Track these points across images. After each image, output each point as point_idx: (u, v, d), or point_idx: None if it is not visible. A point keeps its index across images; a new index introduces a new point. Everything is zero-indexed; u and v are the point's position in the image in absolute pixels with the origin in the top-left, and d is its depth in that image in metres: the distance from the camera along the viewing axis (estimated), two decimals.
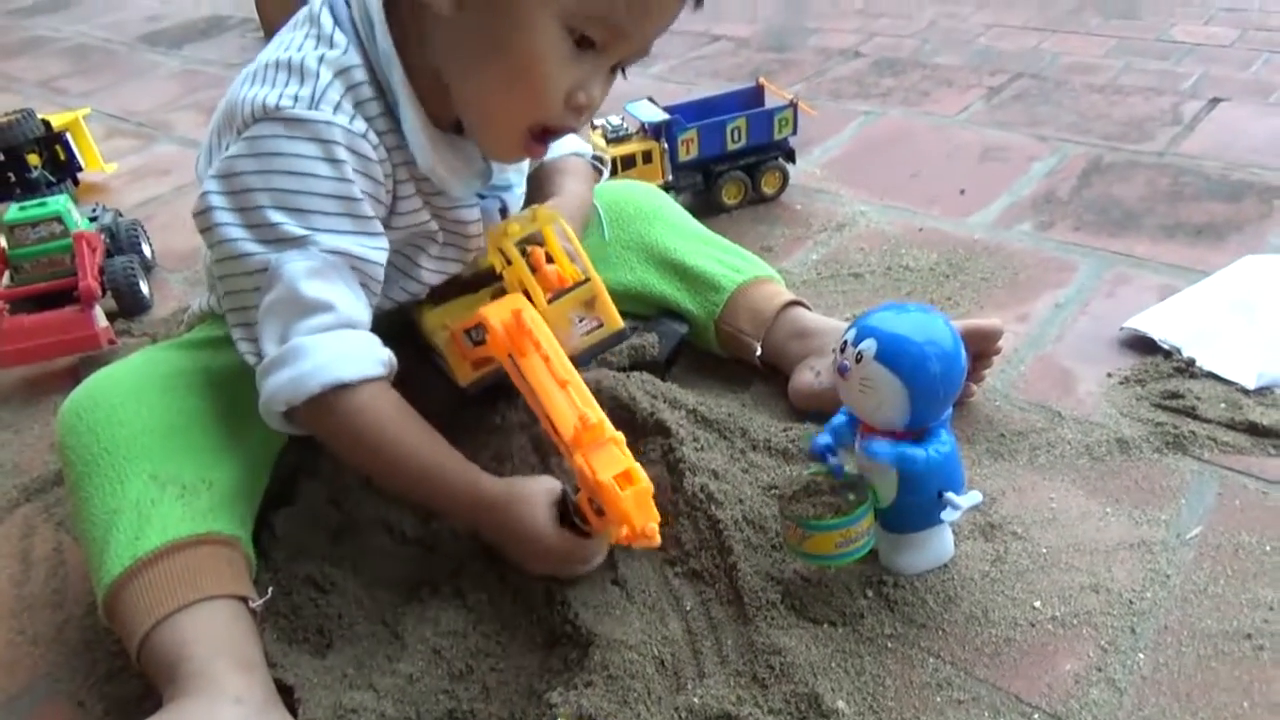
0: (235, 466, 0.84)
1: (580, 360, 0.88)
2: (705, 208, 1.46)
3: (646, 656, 0.76)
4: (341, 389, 0.77)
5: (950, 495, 0.77)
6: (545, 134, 0.81)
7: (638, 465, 0.74)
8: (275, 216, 0.77)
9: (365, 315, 0.81)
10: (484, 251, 0.93)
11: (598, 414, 0.75)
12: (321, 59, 0.79)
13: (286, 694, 0.75)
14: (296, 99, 0.77)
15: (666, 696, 0.74)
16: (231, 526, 0.81)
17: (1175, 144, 1.57)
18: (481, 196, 0.93)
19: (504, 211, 0.96)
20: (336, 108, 0.78)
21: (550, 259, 0.89)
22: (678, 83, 2.05)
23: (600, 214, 1.12)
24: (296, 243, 0.77)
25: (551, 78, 0.76)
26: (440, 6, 0.75)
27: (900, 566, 0.82)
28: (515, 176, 0.98)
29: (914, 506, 0.79)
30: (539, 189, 1.08)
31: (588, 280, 0.89)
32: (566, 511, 0.79)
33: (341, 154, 0.77)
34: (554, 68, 0.75)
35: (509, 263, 0.88)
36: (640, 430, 0.95)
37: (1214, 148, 1.55)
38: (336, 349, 0.77)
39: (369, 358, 0.79)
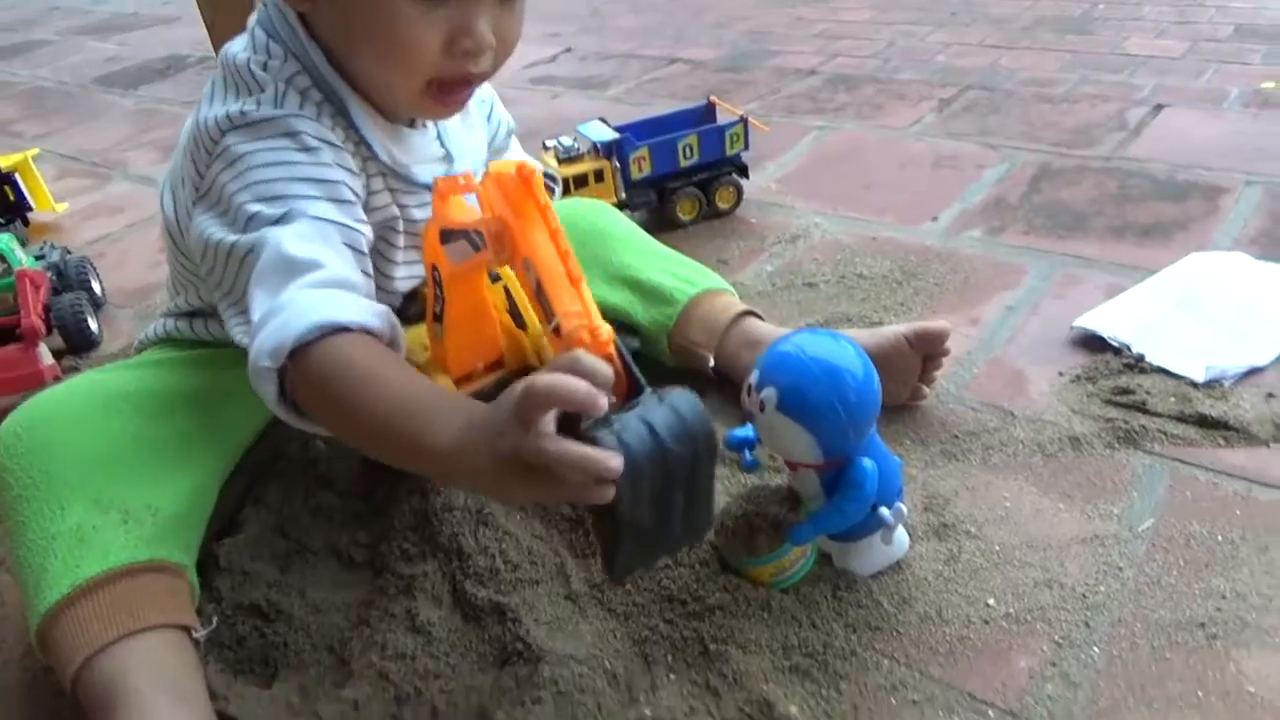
0: (181, 493, 0.82)
1: None
2: (660, 224, 1.46)
3: (597, 670, 0.74)
4: (333, 333, 0.67)
5: (883, 512, 0.77)
6: (446, 86, 0.81)
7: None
8: (255, 207, 0.75)
9: (360, 281, 0.75)
10: None
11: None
12: (266, 67, 0.81)
13: None
14: (259, 103, 0.79)
15: (618, 710, 0.72)
16: (176, 554, 0.79)
17: (1122, 148, 1.59)
18: None
19: None
20: (300, 107, 0.80)
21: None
22: (633, 104, 2.06)
23: None
24: (280, 220, 0.75)
25: (414, 35, 0.76)
26: (298, 5, 0.79)
27: (853, 569, 0.81)
28: (476, 156, 0.97)
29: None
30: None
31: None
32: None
33: (313, 143, 0.78)
34: (412, 25, 0.75)
35: (495, 278, 0.87)
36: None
37: (1160, 151, 1.57)
38: (329, 300, 0.70)
39: (365, 307, 0.72)
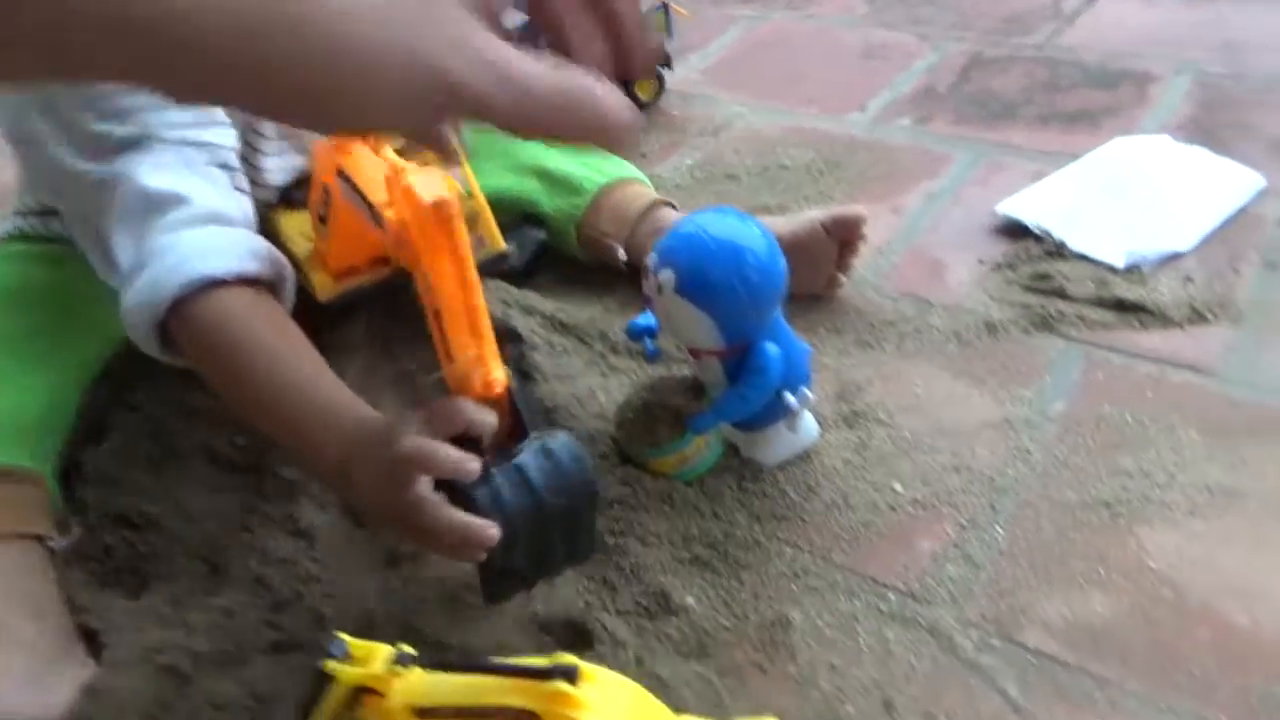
0: (35, 394, 0.76)
1: None
2: None
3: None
4: (208, 287, 0.66)
5: (787, 396, 0.74)
6: None
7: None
8: (102, 127, 0.69)
9: (232, 207, 0.72)
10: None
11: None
12: None
13: (94, 639, 0.69)
14: None
15: (510, 608, 0.69)
16: (25, 459, 0.73)
17: (1055, 37, 1.54)
18: None
19: None
20: None
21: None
22: None
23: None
24: (132, 145, 0.69)
25: None
26: None
27: (759, 459, 0.79)
28: None
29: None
30: None
31: (470, 196, 0.82)
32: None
33: None
34: None
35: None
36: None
37: (1093, 39, 1.52)
38: (200, 244, 0.68)
39: (242, 249, 0.69)
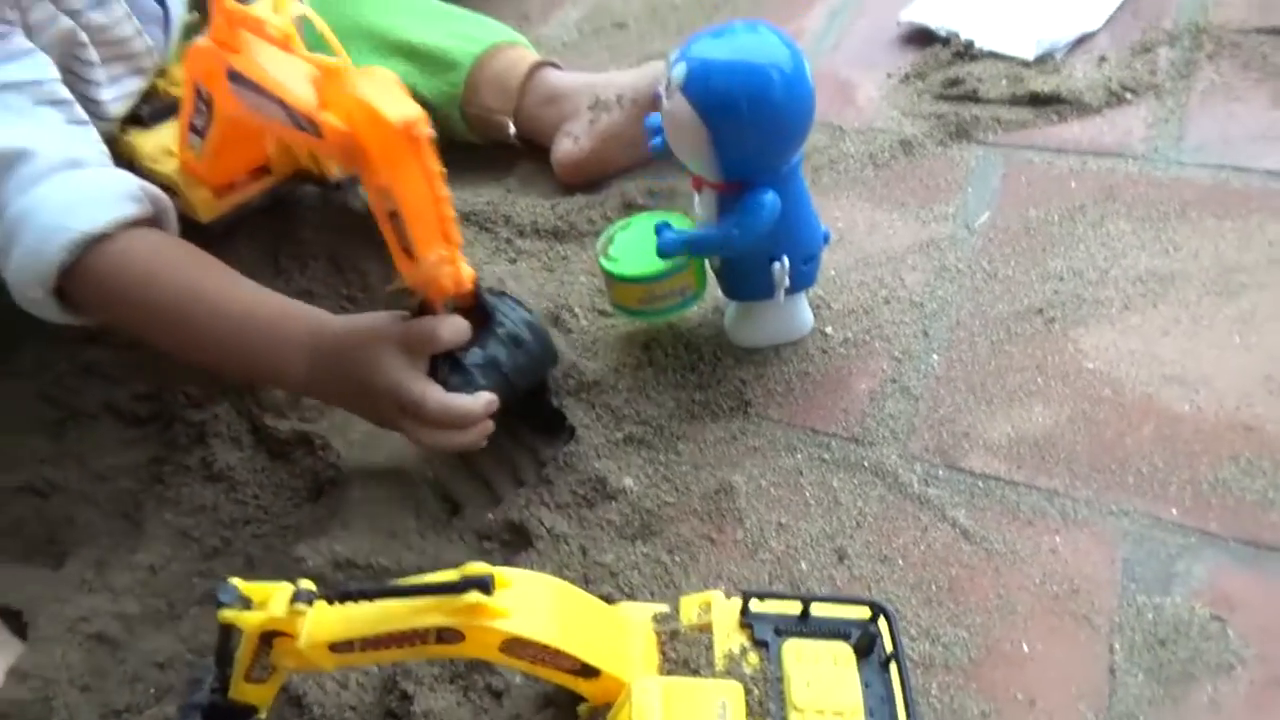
0: None
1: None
2: None
3: (416, 480, 0.68)
4: (92, 244, 0.62)
5: (778, 267, 0.66)
6: None
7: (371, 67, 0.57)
8: None
9: (90, 150, 0.67)
10: (169, 61, 0.81)
11: (343, 59, 0.56)
12: None
13: (17, 619, 0.65)
14: None
15: (442, 519, 0.66)
16: None
17: None
18: None
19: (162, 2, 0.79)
20: None
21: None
22: None
23: None
24: None
25: None
26: None
27: (737, 338, 0.74)
28: None
29: (742, 272, 0.69)
30: None
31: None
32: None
33: None
34: None
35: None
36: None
37: None
38: (61, 198, 0.63)
39: (112, 195, 0.65)
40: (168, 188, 0.76)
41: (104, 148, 0.70)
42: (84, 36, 0.73)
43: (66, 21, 0.71)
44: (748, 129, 0.61)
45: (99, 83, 0.76)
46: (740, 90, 0.60)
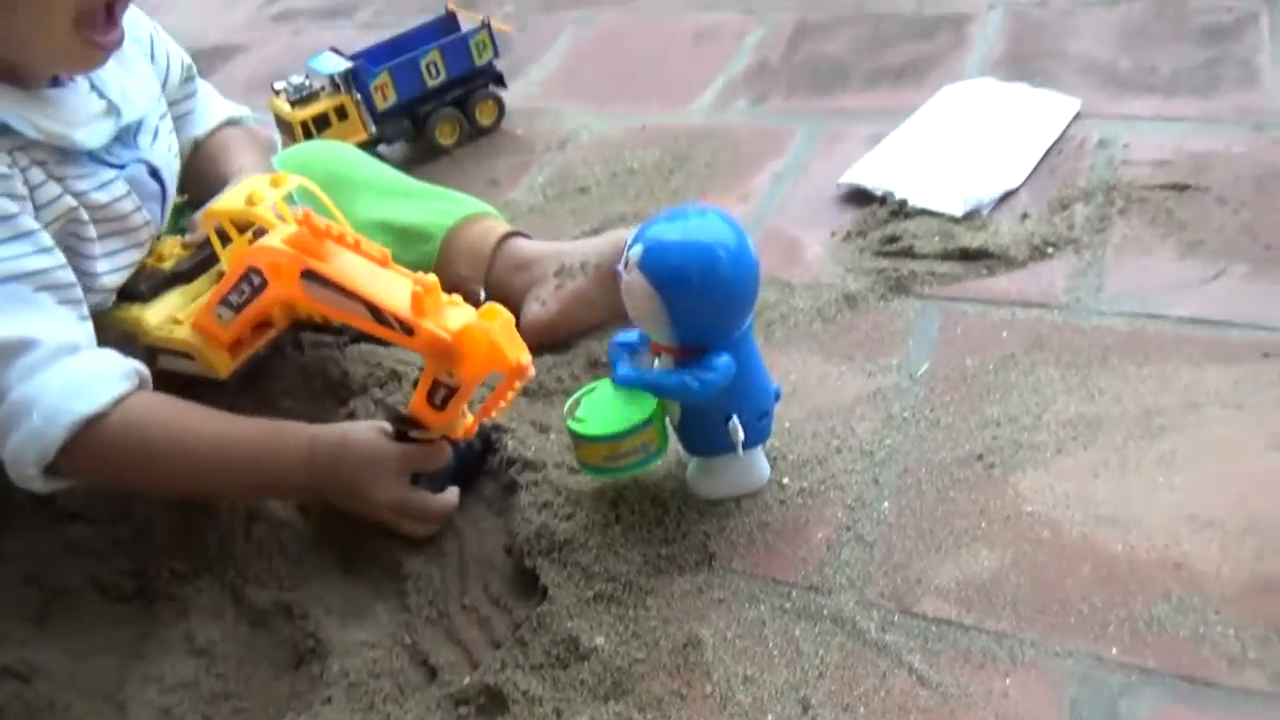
0: None
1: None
2: (422, 154, 1.37)
3: (393, 650, 0.70)
4: (92, 423, 0.69)
5: (734, 424, 0.71)
6: (96, 15, 0.71)
7: (492, 305, 0.72)
8: None
9: (82, 333, 0.73)
10: (160, 238, 0.88)
11: (431, 278, 0.71)
12: None
13: None
14: None
15: (423, 686, 0.68)
16: None
17: None
18: (119, 167, 0.81)
19: (156, 175, 0.86)
20: None
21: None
22: (385, 27, 1.91)
23: None
24: None
25: None
26: None
27: (699, 491, 0.78)
28: (146, 103, 0.85)
29: (700, 430, 0.74)
30: (208, 176, 0.97)
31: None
32: (401, 438, 0.76)
33: None
34: None
35: (227, 242, 0.81)
36: (359, 395, 0.88)
37: None
38: (63, 384, 0.69)
39: (108, 376, 0.71)
40: (183, 352, 0.82)
41: (90, 325, 0.75)
42: (85, 215, 0.79)
43: (70, 200, 0.77)
44: (699, 300, 0.68)
45: (95, 257, 0.81)
46: (691, 266, 0.67)
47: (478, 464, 0.83)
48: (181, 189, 1.02)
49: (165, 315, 0.83)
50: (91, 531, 0.83)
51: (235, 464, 0.75)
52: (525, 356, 0.71)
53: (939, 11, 1.46)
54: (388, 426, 0.77)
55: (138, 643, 0.76)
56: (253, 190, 0.80)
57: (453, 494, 0.79)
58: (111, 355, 0.74)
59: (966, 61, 1.31)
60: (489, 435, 0.84)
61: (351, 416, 0.87)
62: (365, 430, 0.77)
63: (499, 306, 0.72)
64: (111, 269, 0.83)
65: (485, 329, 0.69)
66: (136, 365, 0.74)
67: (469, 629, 0.72)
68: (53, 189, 0.75)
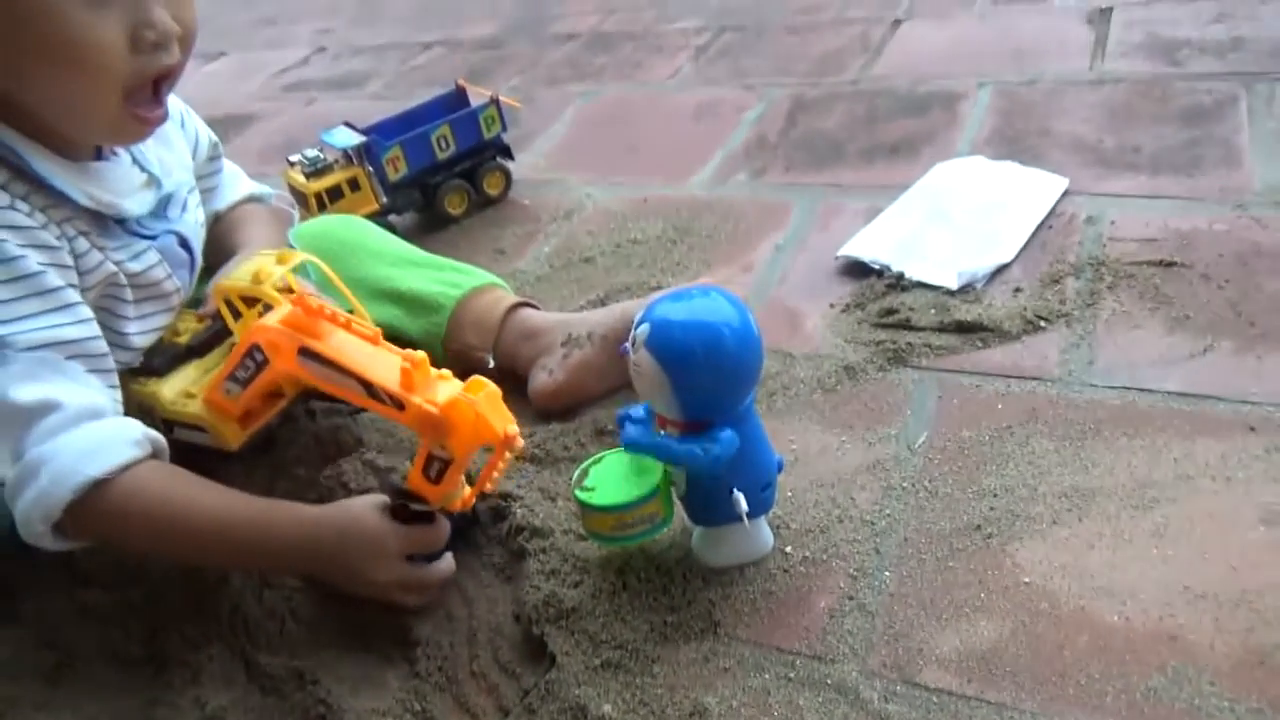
0: None
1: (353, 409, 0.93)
2: (431, 223, 1.41)
3: (404, 717, 0.71)
4: (100, 485, 0.71)
5: (738, 495, 0.73)
6: (144, 92, 0.74)
7: (478, 377, 0.73)
8: None
9: (106, 399, 0.76)
10: (182, 311, 0.90)
11: (420, 354, 0.73)
12: None
13: None
14: None
15: None
16: None
17: (867, 70, 1.64)
18: (150, 238, 0.85)
19: (185, 244, 0.89)
20: None
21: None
22: (395, 99, 1.97)
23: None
24: None
25: (94, 39, 0.69)
26: None
27: (704, 559, 0.79)
28: (182, 175, 0.90)
29: (705, 500, 0.76)
30: (224, 246, 1.00)
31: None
32: (401, 511, 0.77)
33: None
34: (88, 30, 0.69)
35: (238, 315, 0.84)
36: (372, 468, 0.90)
37: (900, 67, 1.63)
38: (78, 447, 0.71)
39: (120, 442, 0.73)
40: (197, 425, 0.84)
41: (118, 394, 0.78)
42: (123, 279, 0.82)
43: (110, 267, 0.80)
44: (704, 377, 0.70)
45: (130, 319, 0.85)
46: (696, 345, 0.69)
47: (469, 531, 0.85)
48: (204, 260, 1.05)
49: (180, 389, 0.86)
50: (105, 596, 0.84)
51: (235, 543, 0.77)
52: (512, 427, 0.72)
53: (930, 89, 1.52)
54: (386, 499, 0.77)
55: (148, 708, 0.76)
56: (259, 267, 0.82)
57: (448, 561, 0.80)
58: (130, 423, 0.76)
59: (958, 139, 1.36)
60: (475, 504, 0.84)
61: (341, 479, 0.88)
62: (366, 511, 0.77)
63: (484, 379, 0.73)
64: (143, 330, 0.86)
65: (471, 401, 0.71)
66: (152, 434, 0.76)
67: (478, 696, 0.73)
68: (96, 257, 0.79)
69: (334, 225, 1.11)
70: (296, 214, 1.08)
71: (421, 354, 0.72)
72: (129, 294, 0.83)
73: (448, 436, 0.71)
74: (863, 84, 1.59)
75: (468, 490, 0.78)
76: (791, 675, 0.70)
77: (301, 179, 1.32)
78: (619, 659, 0.73)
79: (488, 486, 0.77)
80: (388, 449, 0.92)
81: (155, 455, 0.76)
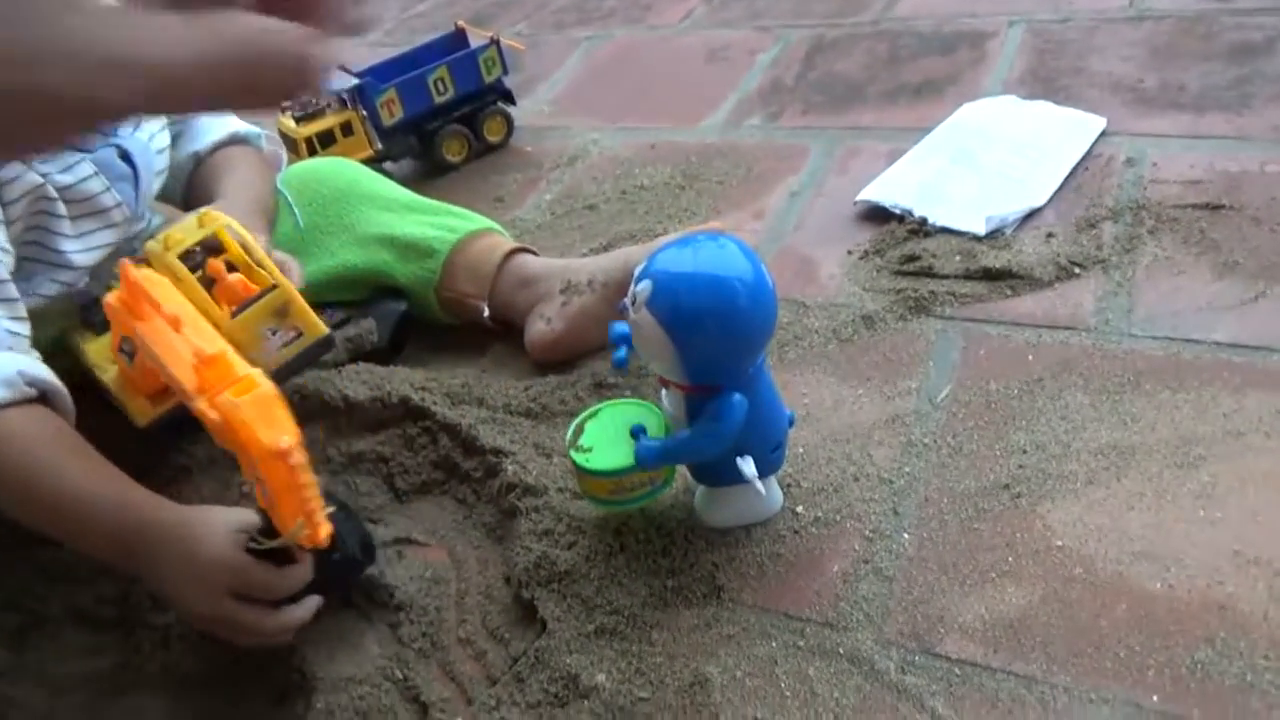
0: None
1: (283, 376, 0.76)
2: (429, 170, 1.35)
3: (383, 686, 0.66)
4: None
5: (742, 461, 0.66)
6: None
7: (250, 374, 0.58)
8: None
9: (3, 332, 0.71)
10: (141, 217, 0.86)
11: (220, 346, 0.60)
12: None
13: None
14: None
15: None
16: None
17: (889, 10, 1.55)
18: (86, 150, 0.80)
19: (126, 157, 0.83)
20: None
21: (232, 267, 0.77)
22: (395, 46, 1.90)
23: (289, 202, 1.00)
24: None
25: None
26: None
27: (707, 520, 0.74)
28: None
29: (709, 464, 0.70)
30: (205, 188, 0.95)
31: (275, 287, 0.77)
32: (260, 547, 0.65)
33: None
34: None
35: (180, 280, 0.76)
36: (360, 425, 0.84)
37: (924, 6, 1.54)
38: None
39: None
40: (107, 391, 0.79)
41: (22, 327, 0.74)
42: (53, 192, 0.77)
43: (35, 177, 0.75)
44: (713, 340, 0.62)
45: (66, 235, 0.80)
46: (705, 306, 0.61)
47: (354, 571, 0.72)
48: (186, 205, 1.00)
49: (102, 352, 0.81)
50: (71, 555, 0.79)
51: (63, 513, 0.68)
52: (285, 439, 0.55)
53: (957, 29, 1.43)
54: (247, 516, 0.67)
55: (117, 673, 0.72)
56: (169, 233, 0.75)
57: (304, 608, 0.67)
58: (14, 360, 0.70)
59: (986, 79, 1.28)
60: (369, 540, 0.73)
61: (244, 489, 0.80)
62: (214, 530, 0.66)
63: (258, 375, 0.59)
64: (83, 249, 0.82)
65: (233, 405, 0.56)
66: (41, 377, 0.71)
67: (464, 663, 0.68)
68: (17, 166, 0.74)
69: (326, 167, 1.05)
70: (284, 157, 1.02)
71: (221, 347, 0.60)
72: (62, 208, 0.79)
73: (239, 449, 0.58)
74: (884, 24, 1.51)
75: (327, 527, 0.60)
76: (800, 644, 0.65)
77: (291, 123, 1.26)
78: (614, 625, 0.67)
79: (316, 518, 0.59)
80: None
81: (45, 401, 0.71)
